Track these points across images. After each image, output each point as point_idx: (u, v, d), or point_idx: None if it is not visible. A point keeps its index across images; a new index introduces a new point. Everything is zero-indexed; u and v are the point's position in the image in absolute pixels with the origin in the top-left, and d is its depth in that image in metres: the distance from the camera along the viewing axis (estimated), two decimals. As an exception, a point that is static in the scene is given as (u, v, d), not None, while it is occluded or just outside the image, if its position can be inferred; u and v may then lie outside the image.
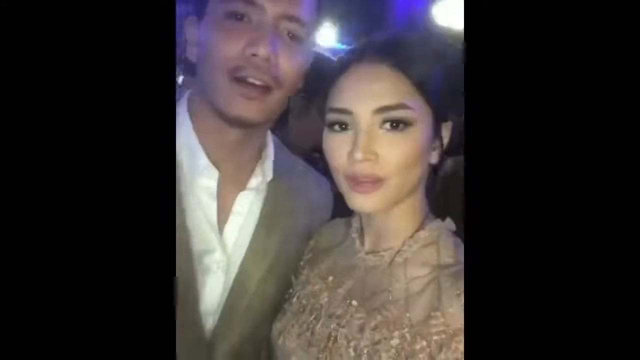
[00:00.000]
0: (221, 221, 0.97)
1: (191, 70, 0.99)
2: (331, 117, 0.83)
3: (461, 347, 0.70)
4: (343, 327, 0.82)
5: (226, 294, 0.96)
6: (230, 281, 0.97)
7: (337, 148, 0.82)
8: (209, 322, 0.95)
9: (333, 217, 1.08)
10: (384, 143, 0.78)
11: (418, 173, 0.83)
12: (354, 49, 0.87)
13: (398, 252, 0.85)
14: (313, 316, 0.87)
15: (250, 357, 1.01)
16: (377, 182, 0.79)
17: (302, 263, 1.02)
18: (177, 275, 0.86)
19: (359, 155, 0.77)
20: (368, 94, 0.79)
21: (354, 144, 0.79)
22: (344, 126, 0.82)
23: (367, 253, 0.89)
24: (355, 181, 0.80)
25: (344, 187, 0.83)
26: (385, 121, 0.79)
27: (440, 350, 0.71)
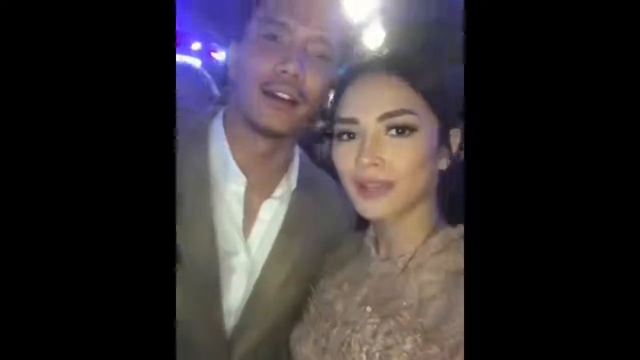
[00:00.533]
0: (247, 227, 1.03)
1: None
2: (339, 127, 0.85)
3: None
4: (357, 332, 0.82)
5: (248, 296, 1.01)
6: (253, 284, 1.01)
7: (345, 155, 0.84)
8: (231, 320, 1.00)
9: (355, 230, 1.07)
10: (390, 148, 0.80)
11: (425, 178, 0.83)
12: (359, 61, 0.90)
13: (410, 258, 0.85)
14: (329, 323, 0.88)
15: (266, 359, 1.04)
16: (384, 187, 0.80)
17: (321, 274, 1.04)
18: (202, 272, 0.94)
19: (365, 159, 0.79)
20: (372, 102, 0.81)
21: (361, 149, 0.80)
22: (351, 135, 0.84)
23: (381, 260, 0.90)
24: (363, 186, 0.81)
25: (352, 193, 0.84)
26: (390, 128, 0.80)
27: (452, 356, 0.71)
